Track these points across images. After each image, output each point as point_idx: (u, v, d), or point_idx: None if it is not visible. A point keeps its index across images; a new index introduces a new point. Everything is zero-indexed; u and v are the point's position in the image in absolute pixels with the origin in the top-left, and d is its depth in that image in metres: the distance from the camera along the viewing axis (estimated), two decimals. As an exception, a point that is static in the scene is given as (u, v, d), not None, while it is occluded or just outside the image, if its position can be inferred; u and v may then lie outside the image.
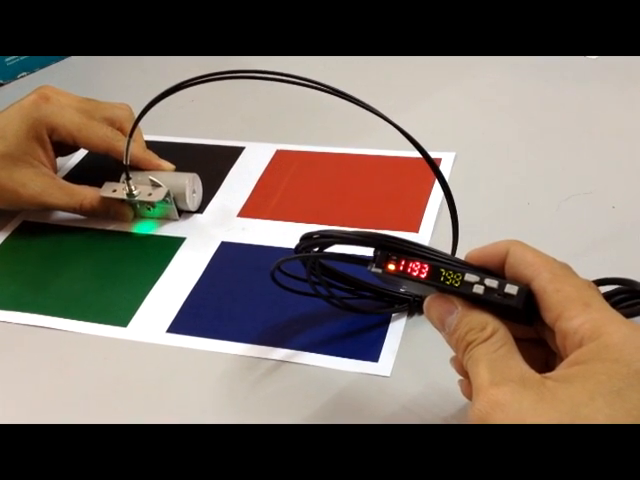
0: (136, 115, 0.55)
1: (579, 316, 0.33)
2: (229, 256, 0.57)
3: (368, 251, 0.40)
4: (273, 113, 0.73)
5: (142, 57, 0.68)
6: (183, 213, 0.62)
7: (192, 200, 0.61)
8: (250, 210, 0.62)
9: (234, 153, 0.68)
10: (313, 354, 0.49)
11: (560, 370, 0.32)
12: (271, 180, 0.65)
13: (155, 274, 0.56)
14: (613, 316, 0.33)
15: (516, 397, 0.32)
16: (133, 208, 0.61)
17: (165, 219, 0.62)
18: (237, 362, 0.49)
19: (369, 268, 0.39)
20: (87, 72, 0.83)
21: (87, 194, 0.61)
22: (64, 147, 0.62)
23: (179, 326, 0.52)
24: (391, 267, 0.38)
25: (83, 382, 0.49)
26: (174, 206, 0.60)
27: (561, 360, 0.33)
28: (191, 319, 0.52)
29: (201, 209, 0.62)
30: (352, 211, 0.60)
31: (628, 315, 0.44)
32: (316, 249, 0.44)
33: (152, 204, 0.60)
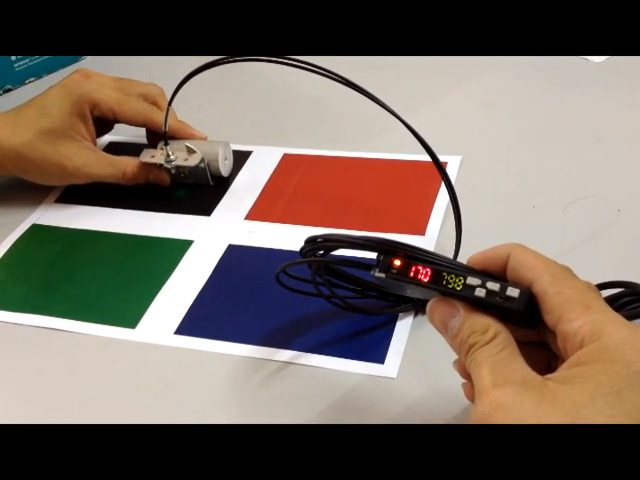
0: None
1: (580, 318, 0.33)
2: (236, 259, 0.58)
3: (372, 254, 0.40)
4: (280, 117, 0.74)
5: (147, 57, 0.69)
6: (191, 216, 0.63)
7: (224, 166, 0.65)
8: (257, 213, 0.62)
9: (241, 157, 0.68)
10: (319, 356, 0.49)
11: (561, 371, 0.33)
12: (278, 183, 0.65)
13: (163, 276, 0.57)
14: (613, 318, 0.33)
15: (517, 398, 0.32)
16: (169, 174, 0.65)
17: (199, 184, 0.65)
18: (244, 363, 0.49)
19: (372, 273, 0.39)
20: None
21: (128, 162, 0.64)
22: (102, 124, 0.66)
23: (187, 328, 0.52)
24: (394, 271, 0.38)
25: (92, 383, 0.50)
26: (208, 171, 0.64)
27: (563, 362, 0.34)
28: (199, 321, 0.53)
29: (209, 212, 0.63)
30: (359, 214, 0.60)
31: (631, 318, 0.44)
32: (321, 252, 0.45)
33: (188, 169, 0.64)
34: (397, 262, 0.38)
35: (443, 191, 0.61)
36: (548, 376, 0.33)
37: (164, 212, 0.63)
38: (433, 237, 0.57)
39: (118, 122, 0.66)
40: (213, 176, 0.65)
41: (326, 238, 0.43)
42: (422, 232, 0.58)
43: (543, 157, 0.64)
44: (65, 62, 0.85)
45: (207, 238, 0.60)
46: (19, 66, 0.82)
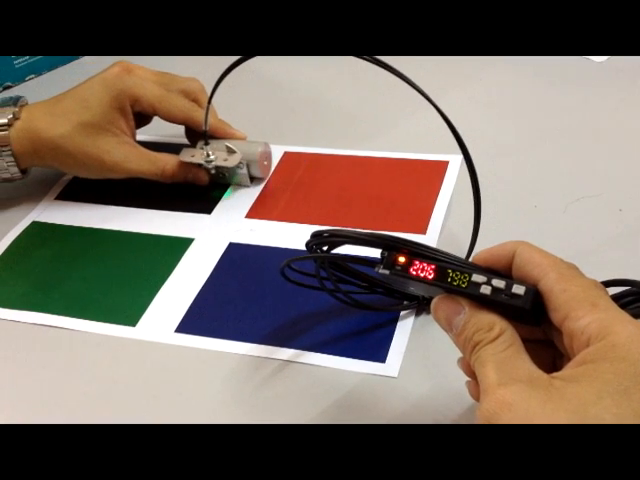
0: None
1: (586, 316, 0.33)
2: (237, 257, 0.58)
3: (377, 252, 0.40)
4: (281, 115, 0.74)
5: (146, 57, 0.69)
6: (192, 213, 0.62)
7: (264, 167, 0.64)
8: (258, 211, 0.62)
9: (243, 155, 0.68)
10: (320, 354, 0.49)
11: (567, 370, 0.33)
12: (279, 181, 0.65)
13: (164, 274, 0.56)
14: (620, 316, 0.33)
15: (524, 397, 0.32)
16: (208, 174, 0.64)
17: (237, 185, 0.65)
18: (245, 362, 0.49)
19: (377, 269, 0.39)
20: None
21: (168, 160, 0.63)
22: (140, 118, 0.65)
23: (187, 326, 0.52)
24: (398, 268, 0.38)
25: (92, 381, 0.49)
26: (247, 172, 0.63)
27: (569, 361, 0.34)
28: (199, 319, 0.53)
29: (210, 210, 0.63)
30: (359, 212, 0.60)
31: (637, 316, 0.44)
32: (325, 247, 0.45)
33: (227, 169, 0.63)
34: (401, 259, 0.38)
35: (444, 190, 0.61)
36: (554, 374, 0.33)
37: (165, 210, 0.63)
38: (434, 236, 0.57)
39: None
40: (252, 177, 0.64)
41: (332, 233, 0.43)
42: (423, 231, 0.57)
43: (544, 156, 0.64)
44: (65, 60, 0.85)
45: (208, 236, 0.60)
46: (19, 63, 0.82)
